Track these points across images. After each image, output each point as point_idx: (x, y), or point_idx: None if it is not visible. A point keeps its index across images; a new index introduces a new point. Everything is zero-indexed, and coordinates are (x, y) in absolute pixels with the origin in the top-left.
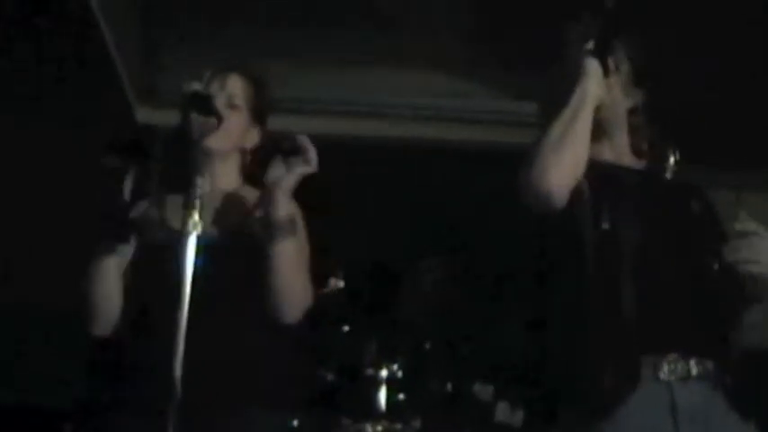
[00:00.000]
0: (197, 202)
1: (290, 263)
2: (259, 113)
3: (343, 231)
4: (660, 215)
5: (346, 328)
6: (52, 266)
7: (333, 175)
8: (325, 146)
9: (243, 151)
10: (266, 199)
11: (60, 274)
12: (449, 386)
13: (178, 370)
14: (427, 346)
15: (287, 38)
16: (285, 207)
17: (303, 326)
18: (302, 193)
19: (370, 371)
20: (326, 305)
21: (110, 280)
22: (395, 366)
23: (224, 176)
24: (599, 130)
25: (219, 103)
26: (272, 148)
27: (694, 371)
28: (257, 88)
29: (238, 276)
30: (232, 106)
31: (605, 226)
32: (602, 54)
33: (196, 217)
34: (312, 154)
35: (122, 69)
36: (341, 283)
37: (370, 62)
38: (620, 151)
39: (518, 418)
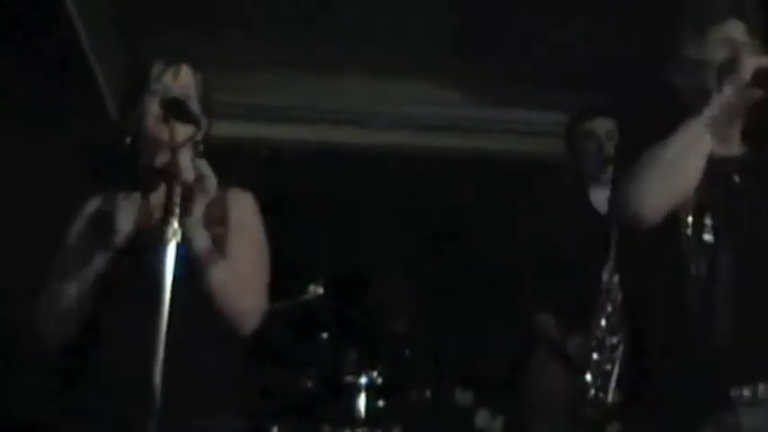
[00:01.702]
0: (177, 210)
1: (224, 287)
2: (207, 104)
3: (322, 239)
4: (757, 226)
5: (326, 335)
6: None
7: (313, 183)
8: (307, 154)
9: (195, 142)
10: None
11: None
12: (428, 393)
13: (157, 378)
14: (407, 353)
15: (269, 46)
16: (200, 239)
17: (282, 333)
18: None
19: (349, 378)
20: (306, 313)
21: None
22: (375, 373)
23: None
24: (718, 125)
25: (175, 93)
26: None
27: (761, 395)
28: (204, 79)
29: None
30: (186, 96)
31: (708, 238)
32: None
33: (175, 224)
34: (209, 181)
35: (100, 72)
36: (320, 291)
37: (350, 70)
38: (729, 138)
39: (498, 424)
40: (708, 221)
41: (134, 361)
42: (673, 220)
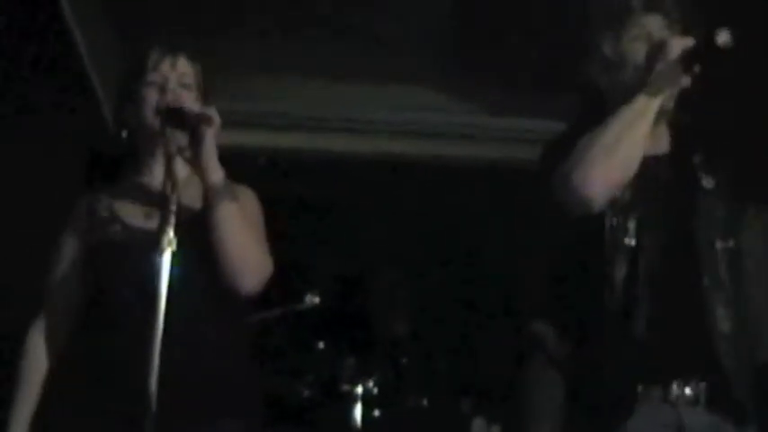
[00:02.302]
0: (173, 219)
1: (236, 226)
2: (203, 93)
3: (320, 247)
4: (683, 226)
5: (322, 344)
6: None
7: (311, 191)
8: (305, 161)
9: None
10: (198, 171)
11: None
12: (425, 402)
13: (153, 384)
14: (404, 361)
15: (268, 52)
16: (216, 171)
17: (279, 340)
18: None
19: (346, 387)
20: (303, 321)
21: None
22: (371, 382)
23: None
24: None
25: (172, 83)
26: (163, 125)
27: (703, 396)
28: (201, 69)
29: (203, 280)
30: (183, 85)
31: (629, 242)
32: (692, 61)
33: (171, 233)
34: (208, 110)
35: (96, 77)
36: (316, 299)
37: (349, 77)
38: (659, 136)
39: None
40: (631, 225)
41: (130, 369)
42: (596, 222)
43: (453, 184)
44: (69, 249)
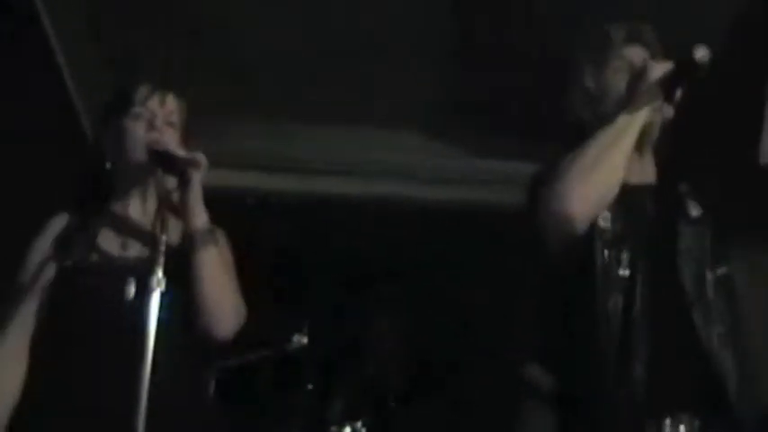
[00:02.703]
0: (161, 259)
1: (215, 272)
2: (185, 133)
3: (308, 288)
4: (671, 257)
5: (310, 386)
6: None
7: (300, 232)
8: (292, 203)
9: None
10: (182, 213)
11: None
12: None
13: (141, 423)
14: (392, 404)
15: (258, 94)
16: (201, 215)
17: (267, 382)
18: (267, 248)
19: (334, 429)
20: (291, 362)
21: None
22: (359, 424)
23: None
24: (635, 150)
25: (159, 121)
26: (151, 166)
27: (698, 429)
28: (185, 110)
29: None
30: (169, 123)
31: (623, 272)
32: (673, 85)
33: (160, 273)
34: (196, 155)
35: (75, 91)
36: (305, 340)
37: (339, 120)
38: (646, 166)
39: None
40: (624, 255)
41: (108, 413)
42: (588, 253)
43: (442, 227)
44: (38, 269)
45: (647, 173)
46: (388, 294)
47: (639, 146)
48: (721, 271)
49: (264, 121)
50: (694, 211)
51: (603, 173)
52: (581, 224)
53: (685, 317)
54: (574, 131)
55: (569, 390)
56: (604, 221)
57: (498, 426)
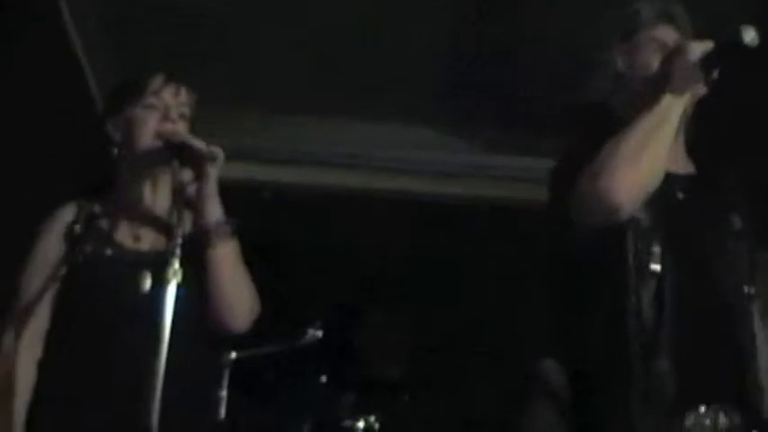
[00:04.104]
0: (178, 251)
1: (232, 266)
2: (193, 127)
3: (321, 282)
4: (705, 251)
5: (324, 378)
6: None
7: (311, 225)
8: (301, 196)
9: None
10: (197, 207)
11: None
12: None
13: (155, 419)
14: (405, 398)
15: (267, 88)
16: (216, 210)
17: (280, 375)
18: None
19: (347, 423)
20: (304, 356)
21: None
22: (372, 418)
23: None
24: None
25: (173, 112)
26: (166, 157)
27: (722, 424)
28: (195, 103)
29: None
30: (182, 116)
31: (654, 267)
32: (711, 66)
33: (176, 265)
34: (214, 149)
35: (95, 89)
36: (319, 334)
37: (347, 113)
38: (678, 154)
39: None
40: (655, 249)
41: (123, 406)
42: (619, 244)
43: (452, 222)
44: (50, 262)
45: (679, 161)
46: (396, 290)
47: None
48: (753, 289)
49: (266, 114)
50: (737, 222)
51: (649, 159)
52: (626, 213)
53: (721, 317)
54: (597, 115)
55: (587, 385)
56: (637, 212)
57: (509, 420)
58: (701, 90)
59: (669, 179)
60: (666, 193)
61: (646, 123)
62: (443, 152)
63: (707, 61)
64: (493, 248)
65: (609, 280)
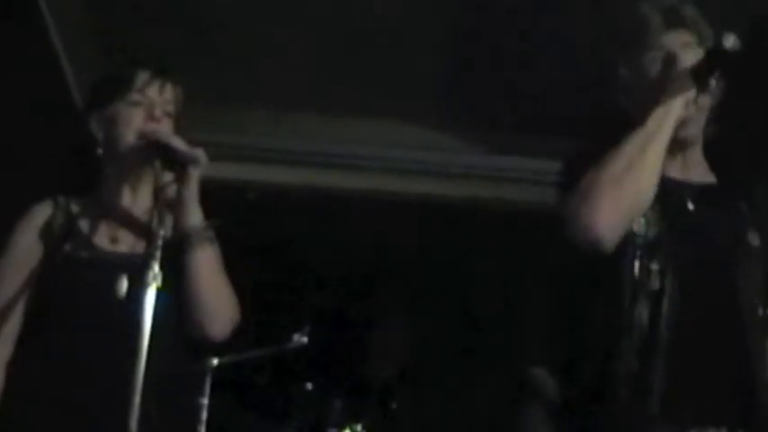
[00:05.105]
0: (158, 254)
1: (210, 271)
2: (178, 123)
3: (309, 285)
4: (716, 266)
5: (310, 385)
6: None
7: (301, 228)
8: (294, 197)
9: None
10: (177, 210)
11: None
12: None
13: (133, 428)
14: (393, 405)
15: (259, 84)
16: (197, 213)
17: (265, 381)
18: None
19: (333, 430)
20: (290, 361)
21: None
22: (359, 426)
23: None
24: (674, 145)
25: (158, 111)
26: (148, 157)
27: None
28: (181, 99)
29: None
30: (167, 114)
31: (653, 284)
32: (706, 73)
33: (156, 269)
34: (197, 151)
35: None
36: (305, 339)
37: (342, 112)
38: (690, 161)
39: None
40: (654, 266)
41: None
42: (618, 258)
43: (450, 224)
44: (24, 262)
45: (690, 168)
46: (392, 293)
47: (679, 140)
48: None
49: (270, 112)
50: (755, 239)
51: (633, 185)
52: (610, 242)
53: (730, 348)
54: (617, 123)
55: (578, 397)
56: (638, 226)
57: (500, 429)
58: (702, 102)
59: (680, 188)
60: (675, 203)
61: (631, 144)
62: (444, 152)
63: (700, 69)
64: (494, 253)
65: (606, 295)
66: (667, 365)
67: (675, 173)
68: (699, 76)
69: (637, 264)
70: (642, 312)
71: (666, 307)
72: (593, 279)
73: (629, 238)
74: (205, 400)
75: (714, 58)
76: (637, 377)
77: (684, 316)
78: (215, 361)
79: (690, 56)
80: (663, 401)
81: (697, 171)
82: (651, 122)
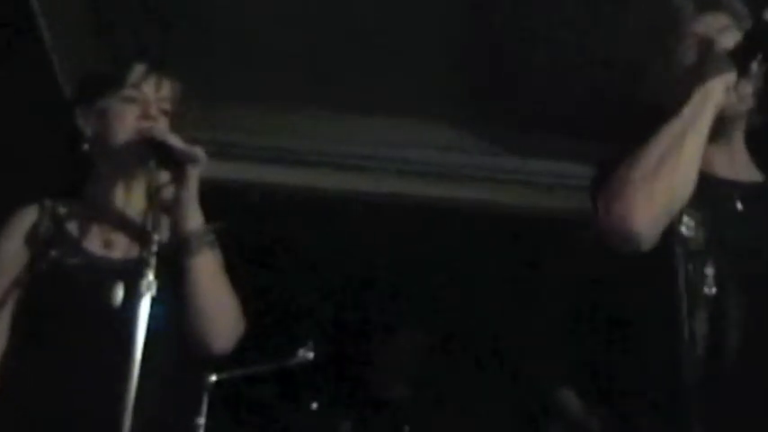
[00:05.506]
0: (153, 260)
1: (211, 279)
2: (174, 121)
3: (316, 295)
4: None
5: (315, 405)
6: None
7: (308, 233)
8: (301, 200)
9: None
10: (175, 213)
11: None
12: None
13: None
14: (407, 428)
15: (260, 79)
16: (196, 216)
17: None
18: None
19: None
20: (294, 379)
21: None
22: None
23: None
24: (717, 138)
25: (153, 108)
26: (143, 156)
27: None
28: (178, 96)
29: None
30: (163, 112)
31: (709, 291)
32: (747, 56)
33: (151, 276)
34: (195, 149)
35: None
36: (310, 355)
37: (352, 109)
38: (737, 158)
39: None
40: (710, 271)
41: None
42: (666, 265)
43: (465, 231)
44: (9, 271)
45: (738, 166)
46: (405, 304)
47: (722, 133)
48: None
49: (274, 110)
50: None
51: (670, 178)
52: (647, 239)
53: None
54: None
55: (619, 420)
56: (687, 229)
57: None
58: (743, 89)
59: (727, 187)
60: (723, 203)
61: (667, 135)
62: (457, 153)
63: (739, 52)
64: (514, 261)
65: (654, 306)
66: (733, 385)
67: (723, 171)
68: (738, 60)
69: (691, 266)
70: (702, 320)
71: (727, 316)
72: (637, 290)
73: (677, 242)
74: (202, 420)
75: (754, 40)
76: (703, 389)
77: (747, 326)
78: (213, 377)
79: (728, 39)
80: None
81: (744, 169)
82: (688, 110)
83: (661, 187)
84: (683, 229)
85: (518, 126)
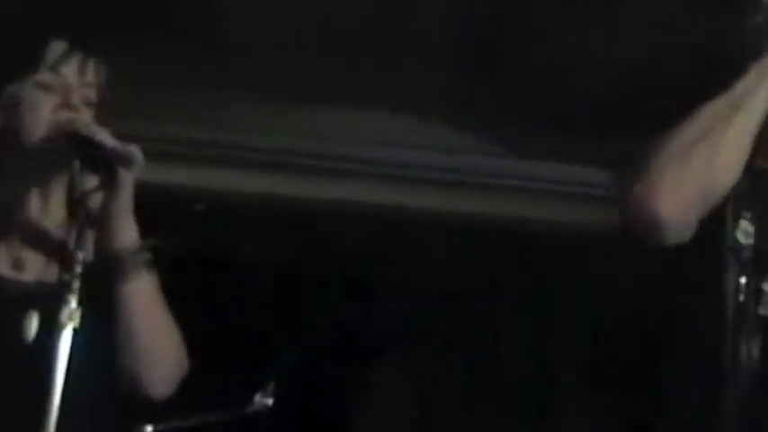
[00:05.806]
0: (76, 284)
1: (150, 307)
2: (99, 114)
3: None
4: None
5: None
6: None
7: (267, 248)
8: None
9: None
10: (103, 226)
11: None
12: None
13: None
14: None
15: (215, 66)
16: (131, 230)
17: None
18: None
19: None
20: (252, 428)
21: None
22: None
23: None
24: None
25: (75, 97)
26: (63, 155)
27: None
28: (105, 81)
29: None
30: (88, 102)
31: (765, 311)
32: None
33: (74, 304)
34: (130, 148)
35: None
36: (269, 401)
37: (325, 101)
38: None
39: None
40: (766, 286)
41: None
42: (712, 278)
43: (465, 244)
44: None
45: None
46: (388, 338)
47: None
48: None
49: (226, 102)
50: None
51: (710, 157)
52: (675, 232)
53: None
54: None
55: None
56: (745, 236)
57: None
58: None
59: None
60: None
61: (709, 112)
62: (461, 155)
63: None
64: (515, 280)
65: (692, 329)
66: None
67: None
68: None
69: (743, 280)
70: (752, 345)
71: None
72: (675, 309)
73: (728, 250)
74: None
75: None
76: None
77: None
78: (149, 429)
79: None
80: None
81: None
82: (741, 84)
83: (696, 167)
84: (740, 236)
85: (518, 126)
